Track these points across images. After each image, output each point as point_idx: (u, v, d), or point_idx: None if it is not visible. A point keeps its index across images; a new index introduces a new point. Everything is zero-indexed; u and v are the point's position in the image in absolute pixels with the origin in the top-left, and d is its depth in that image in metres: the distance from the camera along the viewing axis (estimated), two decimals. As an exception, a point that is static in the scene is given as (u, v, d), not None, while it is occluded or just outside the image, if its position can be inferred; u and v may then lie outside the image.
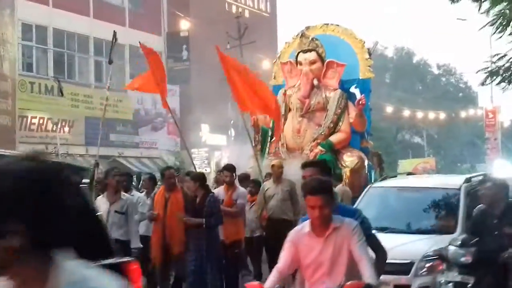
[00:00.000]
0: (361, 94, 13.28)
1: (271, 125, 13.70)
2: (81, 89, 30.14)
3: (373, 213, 8.64)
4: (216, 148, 33.80)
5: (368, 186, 10.16)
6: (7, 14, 26.64)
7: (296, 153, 13.35)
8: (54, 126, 27.76)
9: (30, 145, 25.94)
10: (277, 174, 11.40)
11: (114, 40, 12.87)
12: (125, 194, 10.15)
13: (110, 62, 13.14)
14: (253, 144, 13.72)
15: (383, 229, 8.18)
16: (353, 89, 13.65)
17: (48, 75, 29.12)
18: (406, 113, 49.93)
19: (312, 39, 13.64)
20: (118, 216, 9.70)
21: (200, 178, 10.36)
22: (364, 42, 14.23)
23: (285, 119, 13.62)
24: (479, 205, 7.62)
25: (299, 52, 13.67)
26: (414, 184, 10.08)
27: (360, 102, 12.92)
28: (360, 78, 13.96)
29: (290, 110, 13.63)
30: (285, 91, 13.84)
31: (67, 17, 29.40)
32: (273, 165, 11.57)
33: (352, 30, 14.40)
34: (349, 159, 13.02)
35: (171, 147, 33.96)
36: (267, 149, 13.79)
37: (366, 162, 13.38)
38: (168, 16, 35.71)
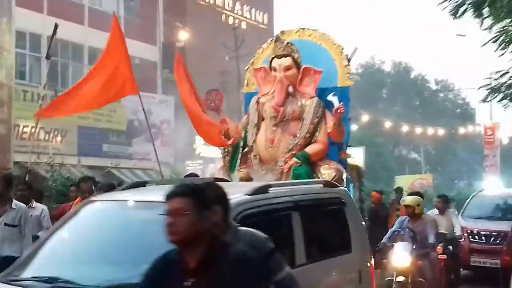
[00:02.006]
0: (340, 103, 12.06)
1: (243, 134, 12.58)
2: None
3: (66, 248, 5.69)
4: (211, 160, 33.04)
5: (88, 200, 6.49)
6: (4, 22, 25.69)
7: (269, 165, 12.26)
8: (47, 135, 27.19)
9: (23, 154, 25.14)
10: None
11: (54, 34, 11.82)
12: (18, 203, 8.79)
13: (48, 57, 12.05)
14: (223, 155, 12.86)
15: (50, 281, 4.94)
16: (330, 97, 12.53)
17: (41, 84, 28.27)
18: (404, 128, 49.05)
19: (287, 43, 12.54)
20: (8, 229, 8.49)
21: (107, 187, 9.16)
22: (343, 48, 13.00)
23: (258, 129, 12.58)
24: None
25: (273, 58, 12.56)
26: (149, 197, 5.83)
27: (339, 111, 11.75)
28: (339, 86, 12.85)
29: (263, 119, 12.54)
30: (258, 98, 12.75)
31: (62, 25, 28.26)
32: (240, 179, 10.70)
33: (330, 35, 13.27)
34: (326, 172, 11.82)
35: (165, 158, 32.99)
36: (238, 160, 12.63)
37: (344, 175, 12.16)
38: (164, 26, 34.96)
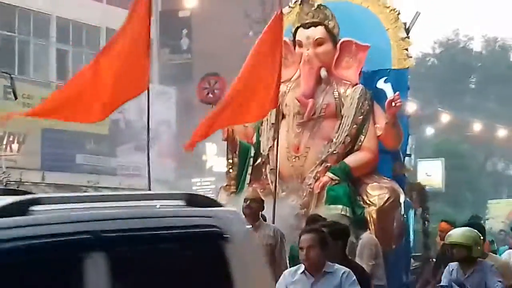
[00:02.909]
0: (395, 92, 12.07)
1: (254, 139, 12.57)
2: (38, 89, 29.56)
3: None
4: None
5: None
6: None
7: (293, 182, 12.29)
8: None
9: None
10: (250, 215, 10.36)
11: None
12: None
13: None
14: (227, 168, 12.96)
15: None
16: (381, 84, 12.48)
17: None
18: (500, 132, 49.38)
19: (319, 6, 12.42)
20: None
21: None
22: (399, 13, 12.91)
23: (276, 131, 12.21)
24: None
25: (298, 27, 12.48)
26: None
27: (394, 104, 11.74)
28: (393, 68, 12.78)
29: (283, 117, 12.44)
30: None
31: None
32: (245, 200, 10.52)
33: None
34: (375, 193, 11.89)
35: (163, 174, 32.83)
36: (248, 176, 12.61)
37: (402, 198, 12.19)
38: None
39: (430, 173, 43.73)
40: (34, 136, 28.96)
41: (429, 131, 53.54)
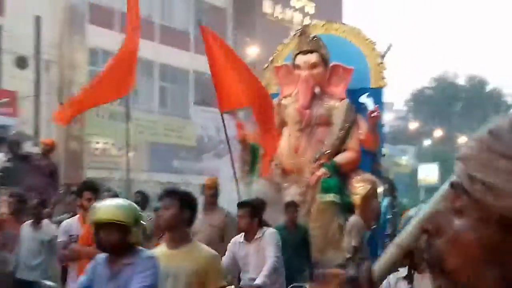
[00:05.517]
0: (375, 105, 13.72)
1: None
2: (146, 114, 35.88)
3: None
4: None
5: None
6: (77, 40, 32.80)
7: (293, 176, 13.85)
8: (118, 151, 32.13)
9: (96, 170, 30.62)
10: (207, 198, 11.56)
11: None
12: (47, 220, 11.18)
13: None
14: (241, 165, 14.29)
15: None
16: (364, 99, 14.09)
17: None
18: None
19: (314, 38, 14.05)
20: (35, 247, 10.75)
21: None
22: (375, 44, 14.67)
23: (280, 135, 14.06)
24: None
25: (297, 54, 14.14)
26: None
27: (373, 115, 13.29)
28: (371, 87, 14.45)
29: (286, 124, 14.11)
30: (279, 100, 14.17)
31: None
32: (208, 187, 11.79)
33: (361, 30, 15.13)
34: (359, 185, 13.16)
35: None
36: (258, 170, 14.24)
37: (380, 189, 13.70)
38: (234, 43, 37.99)
39: (428, 174, 57.60)
40: (144, 148, 35.25)
41: (427, 142, 72.42)
